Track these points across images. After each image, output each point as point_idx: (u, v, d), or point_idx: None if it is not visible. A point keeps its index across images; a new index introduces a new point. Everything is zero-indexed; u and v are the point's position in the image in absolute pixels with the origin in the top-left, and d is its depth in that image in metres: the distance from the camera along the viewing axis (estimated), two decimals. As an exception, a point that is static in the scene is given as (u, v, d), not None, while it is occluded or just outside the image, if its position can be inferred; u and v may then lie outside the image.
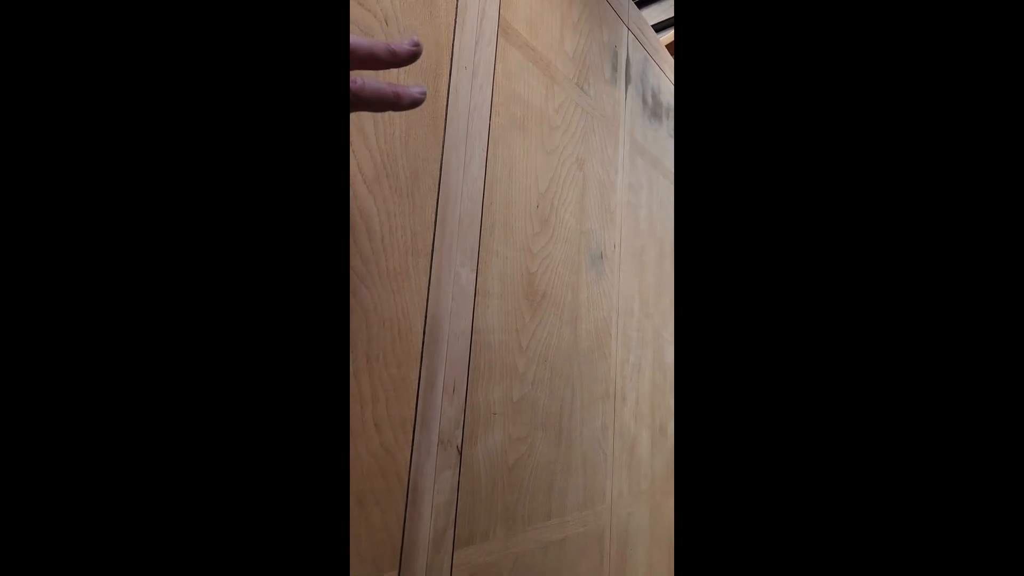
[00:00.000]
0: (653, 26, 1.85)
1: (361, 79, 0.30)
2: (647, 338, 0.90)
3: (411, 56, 0.30)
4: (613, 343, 0.80)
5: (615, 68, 0.86)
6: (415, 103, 0.31)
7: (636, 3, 1.87)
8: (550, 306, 0.66)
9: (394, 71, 0.47)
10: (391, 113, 0.46)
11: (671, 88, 1.08)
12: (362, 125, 0.44)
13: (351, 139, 0.43)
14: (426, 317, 0.49)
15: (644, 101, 0.95)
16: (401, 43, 0.31)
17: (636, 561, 0.82)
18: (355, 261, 0.43)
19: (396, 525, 0.45)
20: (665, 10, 1.79)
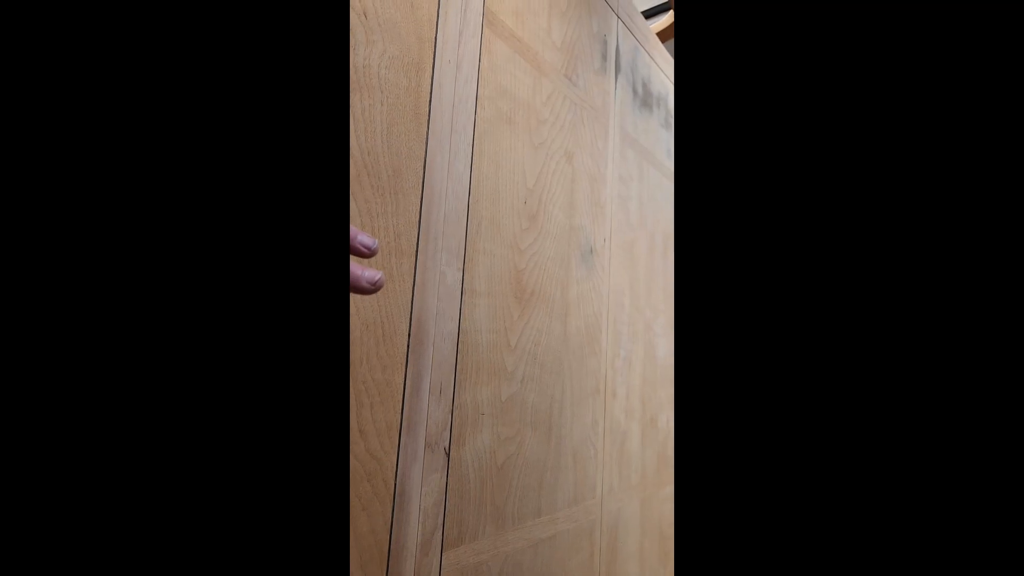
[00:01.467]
0: (643, 12, 1.83)
1: None
2: (638, 332, 0.90)
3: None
4: (604, 338, 0.79)
5: (605, 57, 0.84)
6: (375, 289, 0.31)
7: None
8: (539, 303, 0.66)
9: (375, 67, 0.46)
10: (372, 108, 0.45)
11: (662, 77, 1.06)
12: (341, 123, 0.42)
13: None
14: (411, 319, 0.48)
15: (634, 91, 0.93)
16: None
17: (627, 554, 0.83)
18: (336, 264, 0.41)
19: (383, 530, 0.44)
20: (656, -5, 1.76)
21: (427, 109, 0.51)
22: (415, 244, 0.49)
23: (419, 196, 0.49)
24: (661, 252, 1.00)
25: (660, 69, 1.06)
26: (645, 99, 0.98)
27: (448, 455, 0.51)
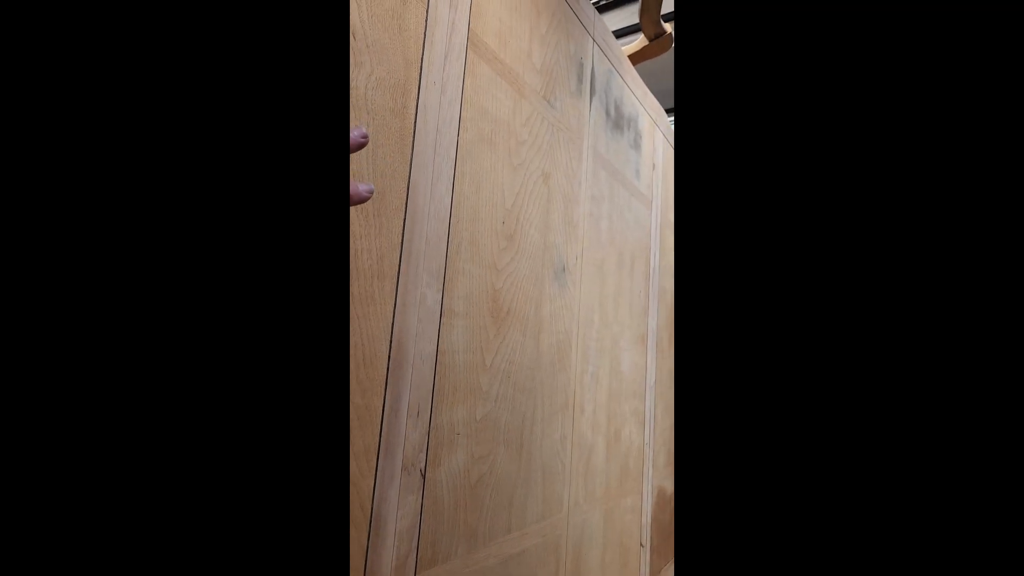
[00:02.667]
0: (615, 32, 1.88)
1: None
2: (605, 347, 0.92)
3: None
4: (573, 354, 0.81)
5: (580, 80, 0.86)
6: (360, 201, 0.31)
7: (597, 8, 1.88)
8: (514, 322, 0.67)
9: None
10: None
11: (633, 99, 1.09)
12: (327, 145, 0.42)
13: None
14: (391, 342, 0.48)
15: (607, 112, 0.96)
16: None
17: (590, 566, 0.85)
18: (319, 288, 0.41)
19: (359, 555, 0.44)
20: (628, 16, 1.81)
21: (412, 130, 0.51)
22: (397, 266, 0.49)
23: (402, 218, 0.49)
24: (628, 269, 1.03)
25: (631, 91, 1.09)
26: (617, 120, 1.01)
27: (424, 476, 0.51)
